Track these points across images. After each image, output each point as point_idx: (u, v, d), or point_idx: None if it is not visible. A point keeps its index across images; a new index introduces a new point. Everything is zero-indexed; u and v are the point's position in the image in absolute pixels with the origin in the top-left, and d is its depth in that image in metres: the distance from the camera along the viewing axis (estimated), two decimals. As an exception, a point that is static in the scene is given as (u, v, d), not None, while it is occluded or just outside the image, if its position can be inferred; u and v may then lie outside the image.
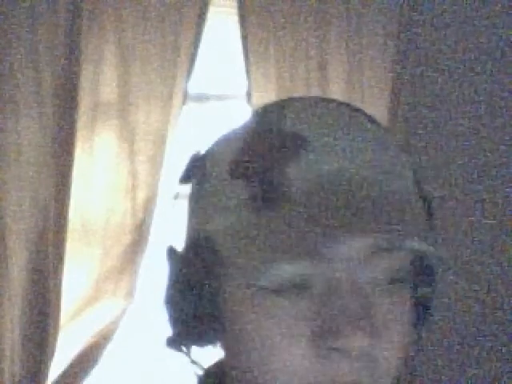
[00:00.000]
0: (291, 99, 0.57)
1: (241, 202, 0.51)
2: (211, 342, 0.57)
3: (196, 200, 0.57)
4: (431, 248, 0.48)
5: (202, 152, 0.60)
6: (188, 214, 0.59)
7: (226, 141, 0.56)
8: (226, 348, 0.56)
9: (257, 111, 0.57)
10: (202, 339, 0.56)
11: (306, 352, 0.49)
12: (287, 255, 0.47)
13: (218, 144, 0.57)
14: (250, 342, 0.51)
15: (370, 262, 0.50)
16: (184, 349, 0.58)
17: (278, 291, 0.50)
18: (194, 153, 0.60)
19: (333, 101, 0.57)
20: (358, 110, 0.57)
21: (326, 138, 0.52)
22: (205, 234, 0.54)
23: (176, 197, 0.64)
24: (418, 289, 0.60)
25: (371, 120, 0.56)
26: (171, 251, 0.57)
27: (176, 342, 0.57)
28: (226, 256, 0.51)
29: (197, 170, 0.59)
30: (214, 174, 0.55)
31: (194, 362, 0.59)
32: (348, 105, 0.57)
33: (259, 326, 0.51)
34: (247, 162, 0.52)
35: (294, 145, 0.51)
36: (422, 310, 0.60)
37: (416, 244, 0.48)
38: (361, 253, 0.49)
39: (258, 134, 0.54)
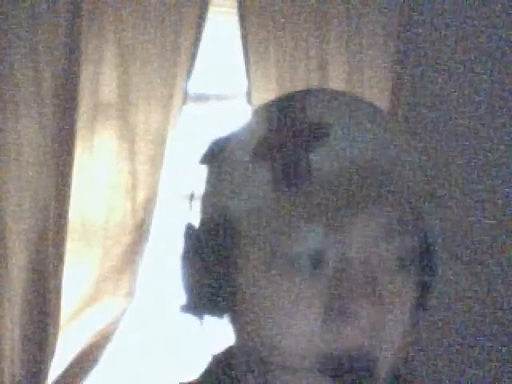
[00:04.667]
0: (310, 90, 0.61)
1: (264, 182, 0.55)
2: (221, 312, 0.60)
3: (215, 182, 0.60)
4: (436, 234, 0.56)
5: (223, 137, 0.63)
6: (204, 195, 0.62)
7: (249, 126, 0.60)
8: (235, 320, 0.59)
9: (279, 98, 0.61)
10: (213, 309, 0.60)
11: (315, 320, 0.53)
12: (306, 223, 0.52)
13: (240, 130, 0.61)
14: (262, 313, 0.55)
15: (382, 244, 0.53)
16: (196, 316, 0.62)
17: (293, 267, 0.53)
18: (216, 137, 0.63)
19: (348, 94, 0.61)
20: (369, 103, 0.61)
21: (346, 127, 0.55)
22: (224, 213, 0.58)
23: (191, 198, 0.66)
24: (420, 275, 0.62)
25: (381, 112, 0.60)
26: (189, 227, 0.61)
27: (189, 309, 0.61)
28: (246, 233, 0.56)
29: (217, 154, 0.62)
30: (236, 157, 0.58)
31: (204, 328, 0.63)
32: (360, 99, 0.61)
33: (272, 300, 0.54)
34: (272, 145, 0.56)
35: (318, 132, 0.55)
36: (423, 295, 0.63)
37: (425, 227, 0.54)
38: (375, 232, 0.53)
39: (283, 120, 0.57)
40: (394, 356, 0.55)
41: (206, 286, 0.59)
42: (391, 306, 0.54)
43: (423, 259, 0.60)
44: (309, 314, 0.53)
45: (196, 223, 0.62)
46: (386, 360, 0.54)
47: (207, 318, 0.62)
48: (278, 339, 0.54)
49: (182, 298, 0.62)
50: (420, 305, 0.62)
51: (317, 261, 0.53)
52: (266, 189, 0.55)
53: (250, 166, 0.57)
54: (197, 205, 0.64)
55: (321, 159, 0.54)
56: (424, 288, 0.62)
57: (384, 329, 0.53)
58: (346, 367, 0.52)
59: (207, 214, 0.61)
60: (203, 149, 0.64)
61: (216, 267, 0.59)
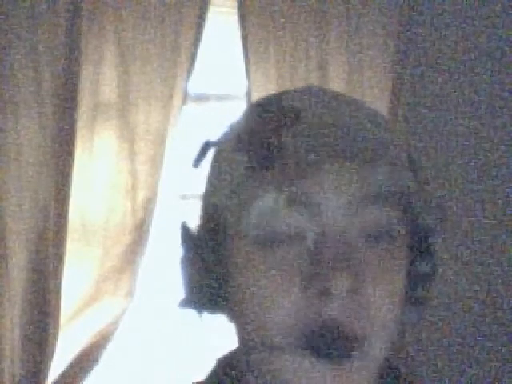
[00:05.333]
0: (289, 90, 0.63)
1: (241, 170, 0.57)
2: (220, 310, 0.62)
3: (213, 181, 0.62)
4: (421, 197, 0.56)
5: (213, 139, 0.64)
6: (203, 194, 0.64)
7: (233, 124, 0.62)
8: (234, 317, 0.60)
9: (257, 100, 0.63)
10: (212, 307, 0.62)
11: (297, 297, 0.53)
12: (282, 204, 0.53)
13: (226, 128, 0.63)
14: (248, 294, 0.56)
15: (358, 214, 0.54)
16: (195, 310, 0.63)
17: (274, 243, 0.54)
18: (205, 140, 0.64)
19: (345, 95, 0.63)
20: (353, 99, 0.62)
21: (318, 111, 0.57)
22: (211, 205, 0.60)
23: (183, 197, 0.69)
24: (417, 265, 0.62)
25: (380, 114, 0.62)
26: (184, 225, 0.63)
27: (188, 304, 0.62)
28: (230, 219, 0.57)
29: (206, 155, 0.64)
30: (222, 153, 0.60)
31: (201, 321, 0.64)
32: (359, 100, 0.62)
33: (256, 278, 0.55)
34: (249, 136, 0.58)
35: (289, 116, 0.57)
36: (422, 288, 0.63)
37: (404, 190, 0.54)
38: (350, 202, 0.54)
39: (259, 112, 0.59)
40: (387, 337, 0.55)
41: (205, 285, 0.61)
42: (375, 281, 0.54)
43: (418, 242, 0.60)
44: (291, 290, 0.53)
45: (193, 222, 0.63)
46: (376, 340, 0.54)
47: (206, 313, 0.63)
48: (263, 317, 0.54)
49: (182, 293, 0.63)
50: (420, 300, 0.62)
51: (294, 237, 0.54)
52: (244, 175, 0.56)
53: (231, 157, 0.58)
54: (195, 204, 0.65)
55: (292, 139, 0.55)
56: (423, 282, 0.62)
57: (369, 305, 0.53)
58: (328, 344, 0.52)
59: (206, 213, 0.61)
60: (195, 152, 0.65)
61: (215, 267, 0.60)
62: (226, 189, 0.58)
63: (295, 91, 0.61)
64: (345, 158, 0.54)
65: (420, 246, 0.61)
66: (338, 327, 0.52)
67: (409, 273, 0.59)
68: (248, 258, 0.56)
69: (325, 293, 0.52)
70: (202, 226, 0.61)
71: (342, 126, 0.55)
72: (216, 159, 0.61)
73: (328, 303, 0.52)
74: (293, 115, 0.57)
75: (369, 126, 0.57)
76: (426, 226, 0.60)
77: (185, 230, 0.63)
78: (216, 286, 0.60)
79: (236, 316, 0.59)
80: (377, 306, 0.54)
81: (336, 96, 0.60)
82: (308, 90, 0.61)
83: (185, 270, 0.62)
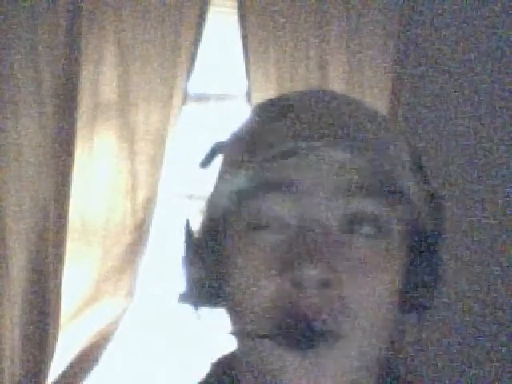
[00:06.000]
0: (311, 90, 0.63)
1: (234, 160, 0.57)
2: (217, 302, 0.62)
3: (217, 182, 0.62)
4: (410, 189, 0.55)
5: (222, 141, 0.65)
6: (210, 195, 0.65)
7: (243, 125, 0.62)
8: (227, 308, 0.60)
9: (264, 102, 0.64)
10: (212, 304, 0.62)
11: (274, 284, 0.53)
12: (266, 191, 0.54)
13: (237, 130, 0.63)
14: (236, 281, 0.56)
15: (341, 203, 0.54)
16: (193, 305, 0.63)
17: (259, 228, 0.55)
18: (216, 140, 0.65)
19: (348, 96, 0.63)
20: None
21: (310, 104, 0.57)
22: (214, 204, 0.60)
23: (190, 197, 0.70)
24: (418, 268, 0.61)
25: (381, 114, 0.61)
26: (187, 223, 0.64)
27: (186, 298, 0.62)
28: (223, 206, 0.58)
29: (215, 157, 0.64)
30: (232, 156, 0.61)
31: (199, 316, 0.64)
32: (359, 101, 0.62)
33: (242, 264, 0.55)
34: (244, 131, 0.59)
35: (279, 110, 0.57)
36: (423, 293, 0.62)
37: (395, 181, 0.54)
38: (333, 190, 0.54)
39: (257, 111, 0.60)
40: (370, 334, 0.54)
41: (204, 282, 0.61)
42: (356, 275, 0.53)
43: (418, 245, 0.59)
44: (270, 277, 0.53)
45: (196, 222, 0.64)
46: (354, 335, 0.53)
47: (204, 309, 0.64)
48: (245, 303, 0.54)
49: (181, 288, 0.64)
50: (420, 305, 0.61)
51: (279, 222, 0.54)
52: (238, 167, 0.57)
53: (232, 152, 0.59)
54: (198, 204, 0.65)
55: (279, 129, 0.55)
56: (426, 287, 0.61)
57: (347, 300, 0.53)
58: (296, 334, 0.52)
59: (210, 213, 0.62)
60: (204, 152, 0.65)
61: (214, 265, 0.60)
62: (218, 178, 0.60)
63: (298, 92, 0.61)
64: (331, 145, 0.53)
65: (421, 249, 0.60)
66: (308, 319, 0.51)
67: (409, 278, 0.58)
68: (238, 244, 0.56)
69: (297, 283, 0.52)
70: (205, 224, 0.62)
71: (332, 116, 0.55)
72: (225, 161, 0.62)
73: (300, 294, 0.52)
74: (287, 109, 0.57)
75: (363, 120, 0.57)
76: (426, 227, 0.59)
77: (188, 227, 0.63)
78: (215, 282, 0.61)
79: (228, 308, 0.59)
80: (356, 301, 0.53)
81: (339, 96, 0.60)
82: (310, 91, 0.61)
83: (186, 267, 0.62)
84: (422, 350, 2.11)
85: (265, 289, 0.53)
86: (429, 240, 0.60)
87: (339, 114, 0.56)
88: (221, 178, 0.60)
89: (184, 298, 0.63)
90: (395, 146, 0.57)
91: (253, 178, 0.54)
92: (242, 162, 0.56)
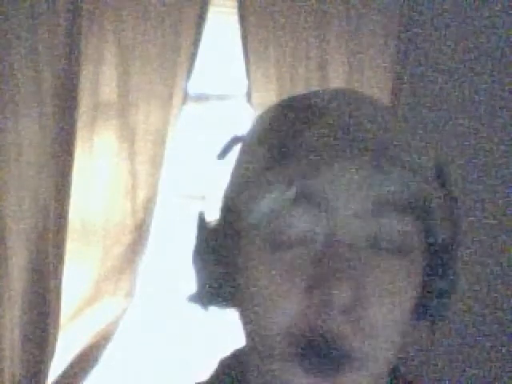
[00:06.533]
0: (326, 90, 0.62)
1: (259, 163, 0.55)
2: (228, 302, 0.61)
3: (230, 178, 0.61)
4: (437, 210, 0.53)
5: (240, 134, 0.64)
6: (224, 190, 0.63)
7: (258, 119, 0.61)
8: (240, 311, 0.59)
9: (284, 98, 0.62)
10: (221, 303, 0.61)
11: (298, 305, 0.51)
12: (293, 205, 0.52)
13: (252, 124, 0.62)
14: (253, 294, 0.54)
15: (371, 221, 0.52)
16: (203, 305, 0.62)
17: (282, 243, 0.53)
18: (233, 134, 0.63)
19: (351, 91, 0.61)
20: (371, 101, 0.60)
21: (343, 112, 0.55)
22: (229, 198, 0.58)
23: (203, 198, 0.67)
24: (434, 280, 0.60)
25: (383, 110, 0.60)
26: (201, 218, 0.62)
27: (197, 298, 0.61)
28: (246, 217, 0.55)
29: (232, 149, 0.63)
30: (243, 147, 0.60)
31: (208, 315, 0.63)
32: (364, 97, 0.60)
33: (261, 278, 0.53)
34: (270, 131, 0.57)
35: (309, 115, 0.55)
36: (438, 303, 0.60)
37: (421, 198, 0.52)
38: (363, 207, 0.51)
39: (281, 110, 0.58)
40: (390, 354, 0.53)
41: (216, 278, 0.60)
42: (381, 296, 0.51)
43: (435, 258, 0.58)
44: (294, 294, 0.51)
45: (209, 217, 0.63)
46: (377, 357, 0.52)
47: (213, 308, 0.63)
48: (264, 320, 0.53)
49: (191, 288, 0.62)
50: (434, 316, 0.60)
51: (304, 238, 0.52)
52: (261, 171, 0.55)
53: (252, 153, 0.57)
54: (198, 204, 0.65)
55: (309, 137, 0.53)
56: (439, 298, 0.60)
57: (372, 321, 0.51)
58: (320, 357, 0.50)
59: (224, 206, 0.60)
60: (222, 144, 0.64)
61: (227, 260, 0.59)
62: (241, 182, 0.57)
63: (323, 91, 0.59)
64: (362, 160, 0.51)
65: (437, 261, 0.59)
66: (335, 341, 0.50)
67: (424, 287, 0.57)
68: (255, 256, 0.54)
69: (325, 303, 0.50)
70: (219, 220, 0.60)
71: (364, 128, 0.54)
72: (238, 153, 0.60)
73: (328, 314, 0.50)
74: (316, 114, 0.55)
75: (393, 131, 0.55)
76: (444, 239, 0.57)
77: (201, 221, 0.61)
78: (227, 279, 0.59)
79: (242, 314, 0.58)
80: (380, 323, 0.51)
81: (365, 99, 0.58)
82: (337, 92, 0.59)
83: (197, 262, 0.61)
84: (422, 350, 2.11)
85: (289, 308, 0.51)
86: (446, 249, 0.58)
87: (370, 128, 0.54)
88: (243, 181, 0.57)
89: (194, 297, 0.61)
90: (422, 159, 0.56)
91: (280, 192, 0.52)
92: (268, 170, 0.54)
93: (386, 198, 0.52)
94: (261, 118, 0.61)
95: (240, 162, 0.59)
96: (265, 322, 0.53)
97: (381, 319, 0.51)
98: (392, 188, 0.51)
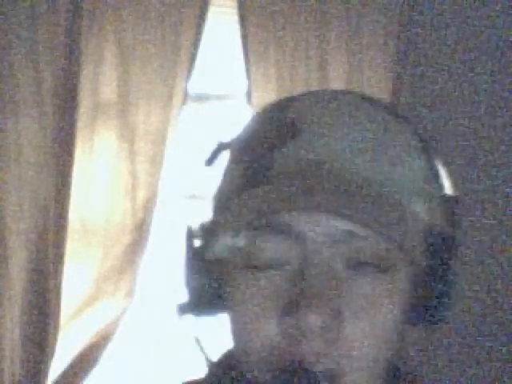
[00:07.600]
0: (305, 92, 0.60)
1: (236, 181, 0.56)
2: (218, 308, 0.61)
3: (218, 184, 0.61)
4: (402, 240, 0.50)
5: (227, 140, 0.63)
6: (213, 196, 0.63)
7: (244, 127, 0.60)
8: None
9: (277, 100, 0.61)
10: (211, 311, 0.61)
11: (274, 329, 0.51)
12: (265, 232, 0.52)
13: (239, 131, 0.61)
14: (233, 319, 0.55)
15: (343, 247, 0.52)
16: (192, 316, 0.62)
17: (257, 268, 0.53)
18: (220, 140, 0.63)
19: (348, 93, 0.60)
20: (376, 102, 0.59)
21: (318, 128, 0.54)
22: (210, 222, 0.59)
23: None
24: (431, 285, 0.59)
25: (390, 112, 0.58)
26: (189, 232, 0.61)
27: (185, 309, 0.61)
28: (222, 239, 0.54)
29: (219, 156, 0.62)
30: (228, 157, 0.60)
31: (197, 333, 0.63)
32: (364, 97, 0.59)
33: (240, 301, 0.54)
34: (246, 148, 0.57)
35: (284, 132, 0.55)
36: (438, 304, 0.60)
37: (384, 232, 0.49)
38: (335, 233, 0.51)
39: (262, 120, 0.58)
40: (369, 370, 0.53)
41: (205, 289, 0.60)
42: (358, 316, 0.51)
43: (434, 259, 0.57)
44: (269, 320, 0.52)
45: (195, 224, 0.63)
46: (356, 375, 0.52)
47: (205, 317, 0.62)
48: (244, 343, 0.53)
49: (181, 298, 0.62)
50: (432, 320, 0.60)
51: (278, 264, 0.52)
52: (235, 191, 0.55)
53: (229, 169, 0.58)
54: (201, 205, 0.64)
55: (282, 158, 0.53)
56: (440, 301, 0.59)
57: (348, 342, 0.51)
58: (303, 379, 0.50)
59: (211, 215, 0.61)
60: (209, 151, 0.64)
61: (215, 272, 0.59)
62: (221, 199, 0.58)
63: (306, 99, 0.58)
64: (333, 192, 0.50)
65: (435, 263, 0.57)
66: (309, 363, 0.50)
67: (423, 289, 0.56)
68: (234, 275, 0.54)
69: (299, 328, 0.50)
70: (205, 229, 0.60)
71: (338, 157, 0.53)
72: (226, 162, 0.61)
73: (302, 339, 0.50)
74: (288, 131, 0.54)
75: (372, 150, 0.54)
76: (443, 239, 0.56)
77: (189, 234, 0.61)
78: (217, 290, 0.59)
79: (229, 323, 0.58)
80: (357, 343, 0.51)
81: (346, 106, 0.56)
82: (319, 99, 0.58)
83: (186, 271, 0.61)
84: (422, 350, 2.11)
85: (264, 334, 0.52)
86: (446, 249, 0.57)
87: (342, 163, 0.52)
88: (222, 199, 0.57)
89: (184, 307, 0.61)
90: (408, 167, 0.55)
91: (250, 222, 0.51)
92: (243, 191, 0.54)
93: (358, 228, 0.51)
94: (247, 125, 0.60)
95: (224, 175, 0.59)
96: (245, 346, 0.53)
97: (359, 338, 0.51)
98: (364, 219, 0.50)
